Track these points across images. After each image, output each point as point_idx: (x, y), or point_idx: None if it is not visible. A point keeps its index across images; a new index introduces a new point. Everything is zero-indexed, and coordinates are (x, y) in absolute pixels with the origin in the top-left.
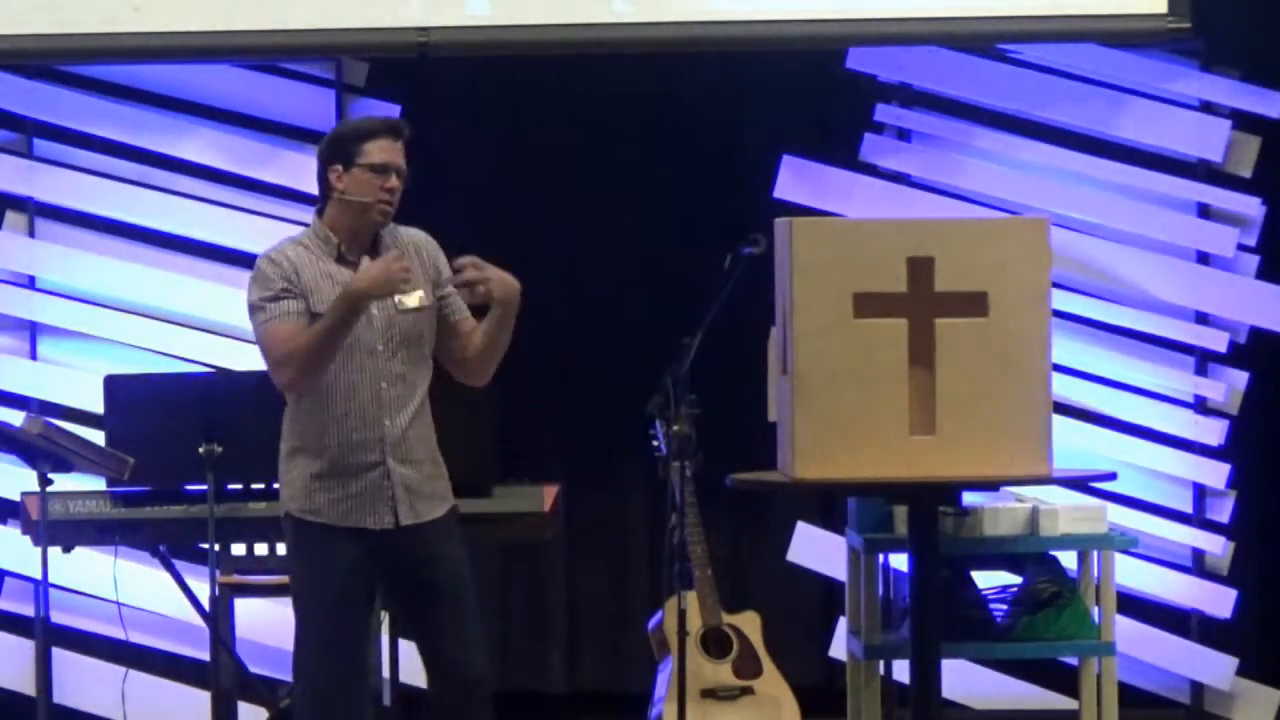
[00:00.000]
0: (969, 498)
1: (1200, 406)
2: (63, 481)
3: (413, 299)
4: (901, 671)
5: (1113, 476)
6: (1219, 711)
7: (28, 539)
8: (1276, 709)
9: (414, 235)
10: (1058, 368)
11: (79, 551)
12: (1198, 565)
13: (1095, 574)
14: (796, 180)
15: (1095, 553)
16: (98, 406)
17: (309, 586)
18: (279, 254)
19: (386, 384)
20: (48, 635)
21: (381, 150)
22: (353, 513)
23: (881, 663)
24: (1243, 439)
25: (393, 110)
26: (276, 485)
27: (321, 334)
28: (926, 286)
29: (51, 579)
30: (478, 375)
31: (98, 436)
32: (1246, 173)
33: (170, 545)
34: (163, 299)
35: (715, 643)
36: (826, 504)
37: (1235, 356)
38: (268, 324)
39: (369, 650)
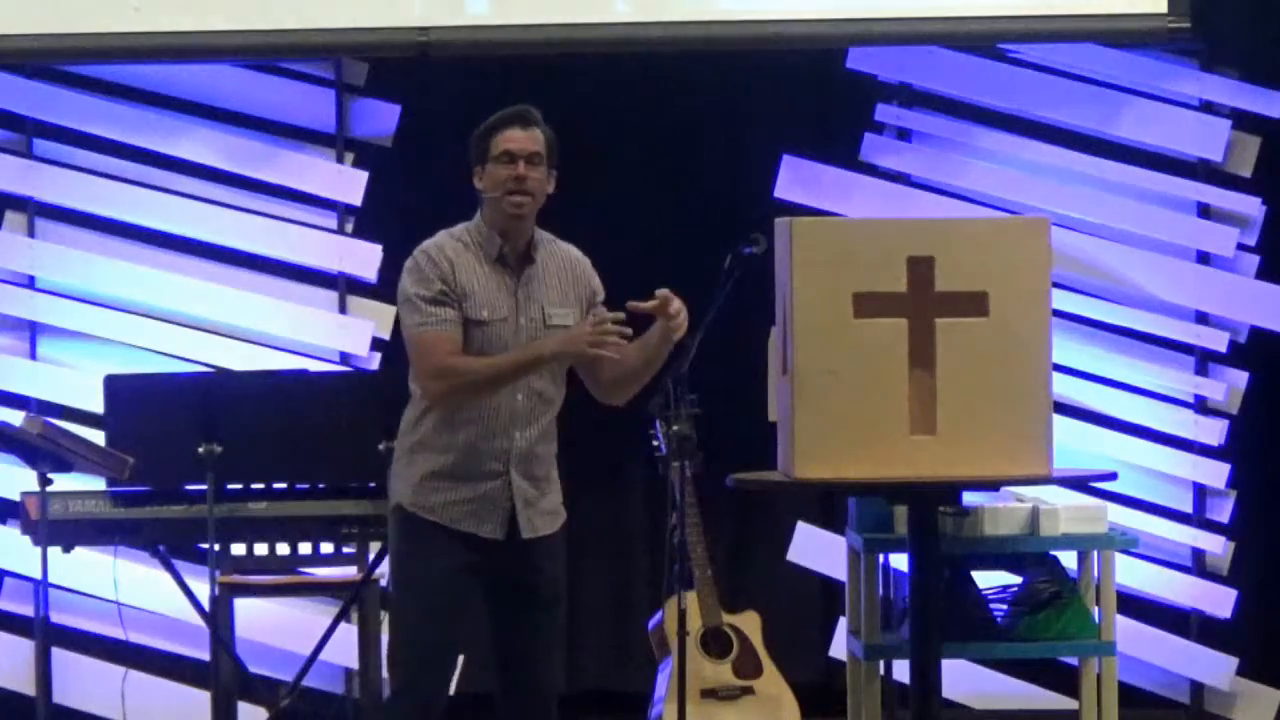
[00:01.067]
0: (969, 498)
1: (1200, 406)
2: (63, 481)
3: (566, 315)
4: (901, 671)
5: (1113, 476)
6: (1219, 711)
7: (28, 539)
8: (1276, 709)
9: (569, 252)
10: (1058, 368)
11: (79, 551)
12: (1198, 565)
13: (1095, 574)
14: (796, 180)
15: (1095, 553)
16: (98, 406)
17: (410, 582)
18: (438, 250)
19: (523, 396)
20: (47, 635)
21: (507, 140)
22: (467, 518)
23: (881, 663)
24: (1243, 439)
25: (393, 110)
26: (277, 485)
27: (492, 375)
28: (926, 286)
29: (51, 579)
30: (616, 397)
31: (98, 436)
32: (1246, 173)
33: (170, 545)
34: (163, 299)
35: (715, 643)
36: (826, 504)
37: (1235, 356)
38: (423, 329)
39: (459, 654)
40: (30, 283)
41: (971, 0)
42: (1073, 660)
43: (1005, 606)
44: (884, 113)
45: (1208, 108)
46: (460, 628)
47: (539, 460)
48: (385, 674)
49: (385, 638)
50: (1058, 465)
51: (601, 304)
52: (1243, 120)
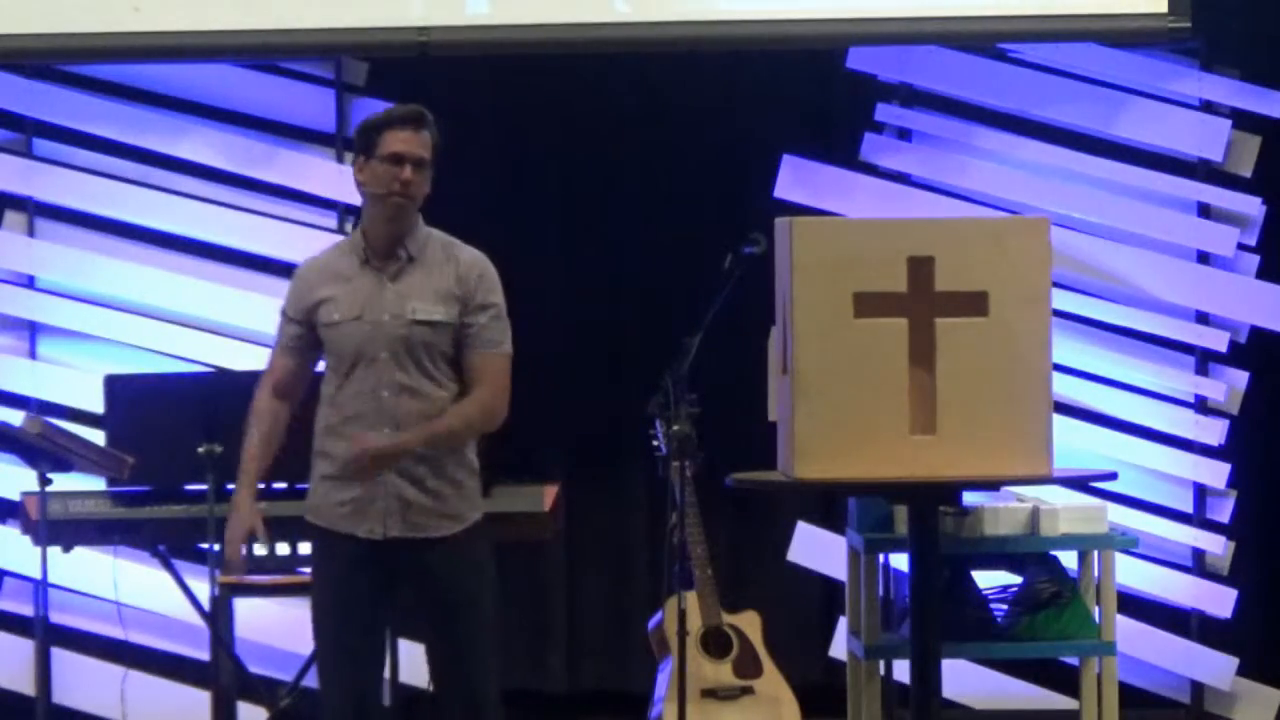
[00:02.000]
0: (969, 498)
1: (1200, 406)
2: (63, 481)
3: (432, 311)
4: (901, 671)
5: (1113, 476)
6: (1219, 711)
7: (28, 539)
8: (1276, 709)
9: (463, 253)
10: (1058, 368)
11: (79, 551)
12: (1198, 565)
13: (1095, 574)
14: (796, 180)
15: (1095, 553)
16: (98, 406)
17: (314, 589)
18: (307, 265)
19: (389, 393)
20: (47, 635)
21: (397, 140)
22: (345, 519)
23: (881, 663)
24: (1243, 439)
25: None
26: (277, 485)
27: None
28: (926, 286)
29: (51, 579)
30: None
31: (98, 436)
32: (1246, 172)
33: (170, 545)
34: (163, 299)
35: (715, 643)
36: (826, 504)
37: (1235, 356)
38: (275, 346)
39: (374, 653)
40: (30, 283)
41: (971, 0)
42: (1073, 660)
43: (1005, 606)
44: (884, 112)
45: (1208, 108)
46: (356, 627)
47: (417, 457)
48: None
49: None
50: (1058, 465)
51: (483, 307)
52: (1243, 120)
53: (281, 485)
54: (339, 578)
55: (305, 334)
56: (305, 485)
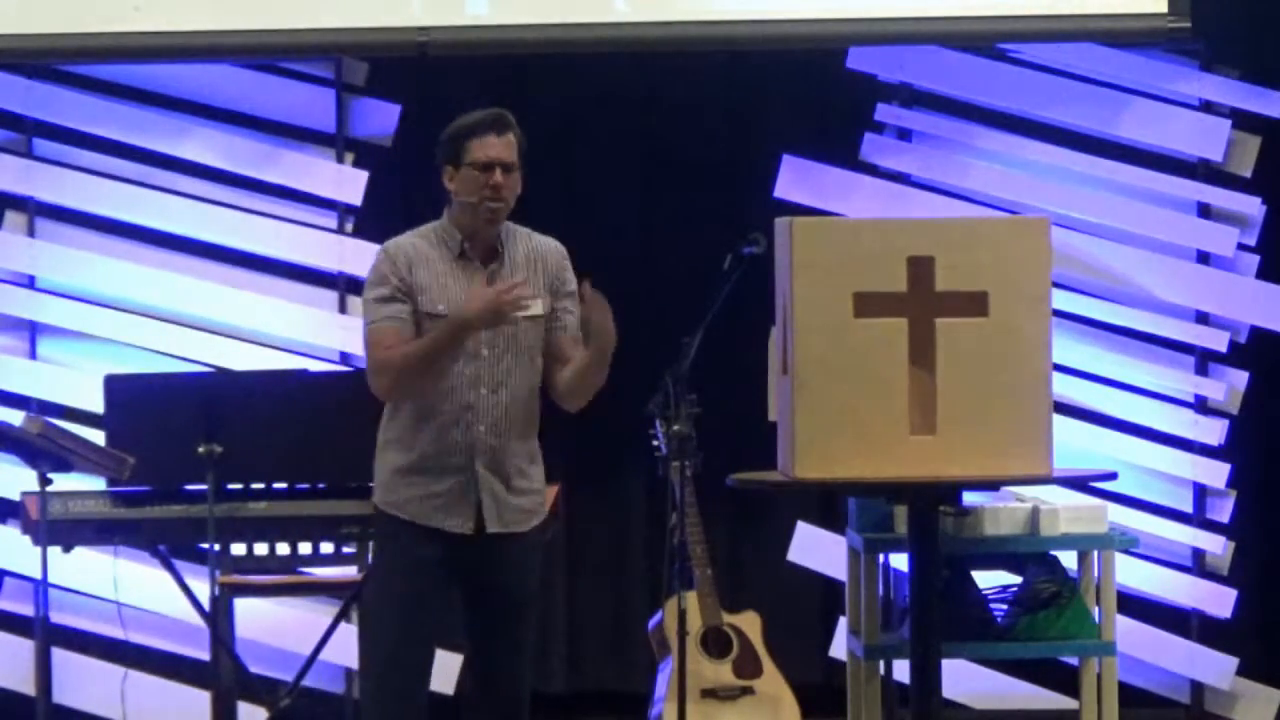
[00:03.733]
0: (969, 498)
1: (1200, 406)
2: (63, 481)
3: (531, 306)
4: (901, 671)
5: (1113, 476)
6: (1219, 711)
7: (28, 539)
8: (1276, 709)
9: (542, 244)
10: (1058, 368)
11: (79, 551)
12: (1198, 565)
13: (1095, 574)
14: (796, 180)
15: (1095, 553)
16: (98, 406)
17: (380, 579)
18: (397, 248)
19: (486, 390)
20: (47, 635)
21: (484, 147)
22: (435, 513)
23: (881, 663)
24: (1243, 439)
25: (393, 110)
26: (277, 485)
27: (420, 353)
28: (926, 286)
29: (51, 579)
30: (565, 403)
31: (98, 436)
32: (1246, 173)
33: (170, 545)
34: (163, 299)
35: (715, 643)
36: (826, 504)
37: (1235, 356)
38: (374, 325)
39: (431, 650)
40: (30, 283)
41: (971, 0)
42: (1073, 660)
43: (1005, 606)
44: (884, 113)
45: (1208, 108)
46: (427, 624)
47: (509, 454)
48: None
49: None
50: (1058, 465)
51: (570, 294)
52: (1243, 120)
53: (281, 485)
54: (418, 570)
55: (412, 310)
56: (304, 486)
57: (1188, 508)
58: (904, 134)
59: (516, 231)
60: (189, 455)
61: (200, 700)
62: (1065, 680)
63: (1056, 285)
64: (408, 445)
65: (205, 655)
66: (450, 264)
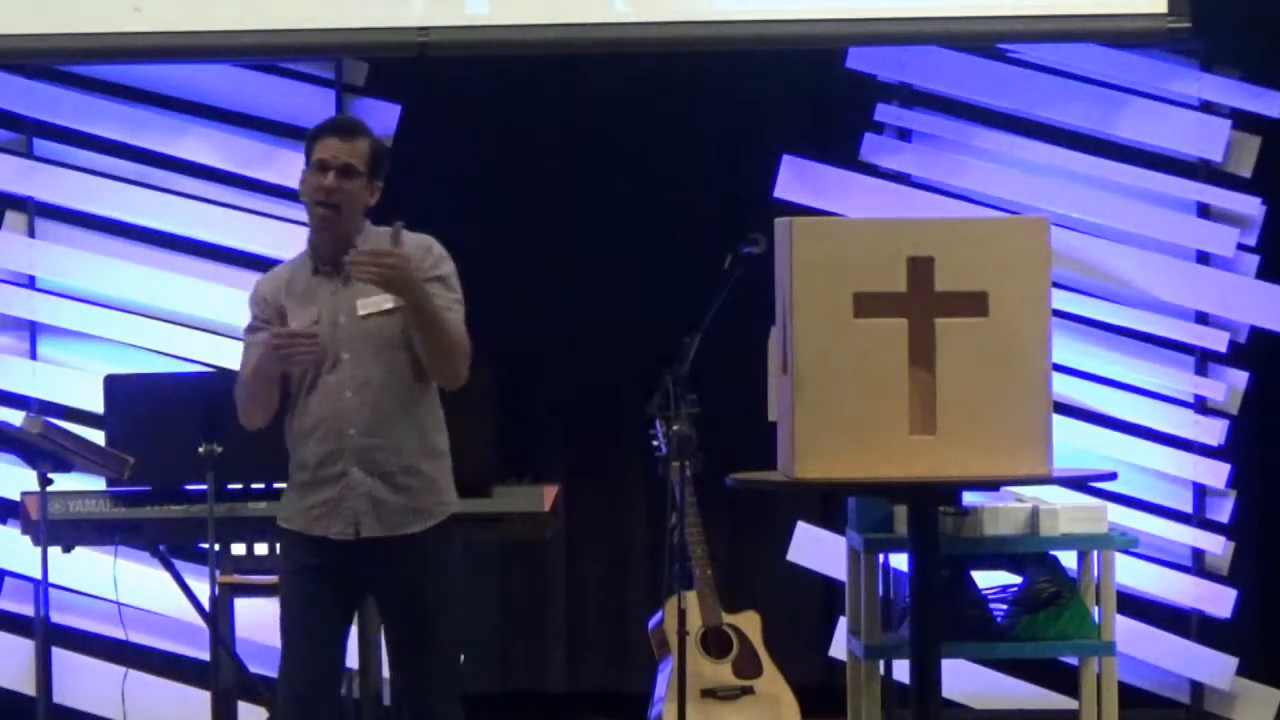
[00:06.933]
0: (969, 498)
1: (1200, 406)
2: (63, 481)
3: (381, 302)
4: (901, 671)
5: (1113, 476)
6: (1219, 711)
7: (28, 539)
8: (1276, 709)
9: (408, 240)
10: (1058, 368)
11: (79, 551)
12: (1198, 565)
13: (1095, 574)
14: (796, 180)
15: (1095, 553)
16: (98, 406)
17: (281, 592)
18: (261, 281)
19: (351, 392)
20: (48, 635)
21: (323, 148)
22: (317, 522)
23: (881, 663)
24: (1243, 439)
25: (393, 110)
26: (277, 485)
27: (243, 378)
28: (926, 286)
29: (51, 579)
30: (441, 383)
31: (98, 436)
32: (1246, 173)
33: (170, 545)
34: (163, 299)
35: (715, 643)
36: (826, 504)
37: (1235, 356)
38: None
39: (337, 658)
40: (30, 283)
41: (971, 0)
42: (1073, 660)
43: (1005, 606)
44: (884, 113)
45: (1208, 108)
46: (321, 631)
47: (386, 454)
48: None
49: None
50: (1058, 465)
51: (432, 279)
52: (1243, 120)
53: (282, 485)
54: (309, 579)
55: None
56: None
57: (1188, 508)
58: (904, 134)
59: (381, 235)
60: (189, 455)
61: (200, 700)
62: (1065, 680)
63: (1056, 285)
64: (296, 460)
65: (205, 655)
66: (309, 279)
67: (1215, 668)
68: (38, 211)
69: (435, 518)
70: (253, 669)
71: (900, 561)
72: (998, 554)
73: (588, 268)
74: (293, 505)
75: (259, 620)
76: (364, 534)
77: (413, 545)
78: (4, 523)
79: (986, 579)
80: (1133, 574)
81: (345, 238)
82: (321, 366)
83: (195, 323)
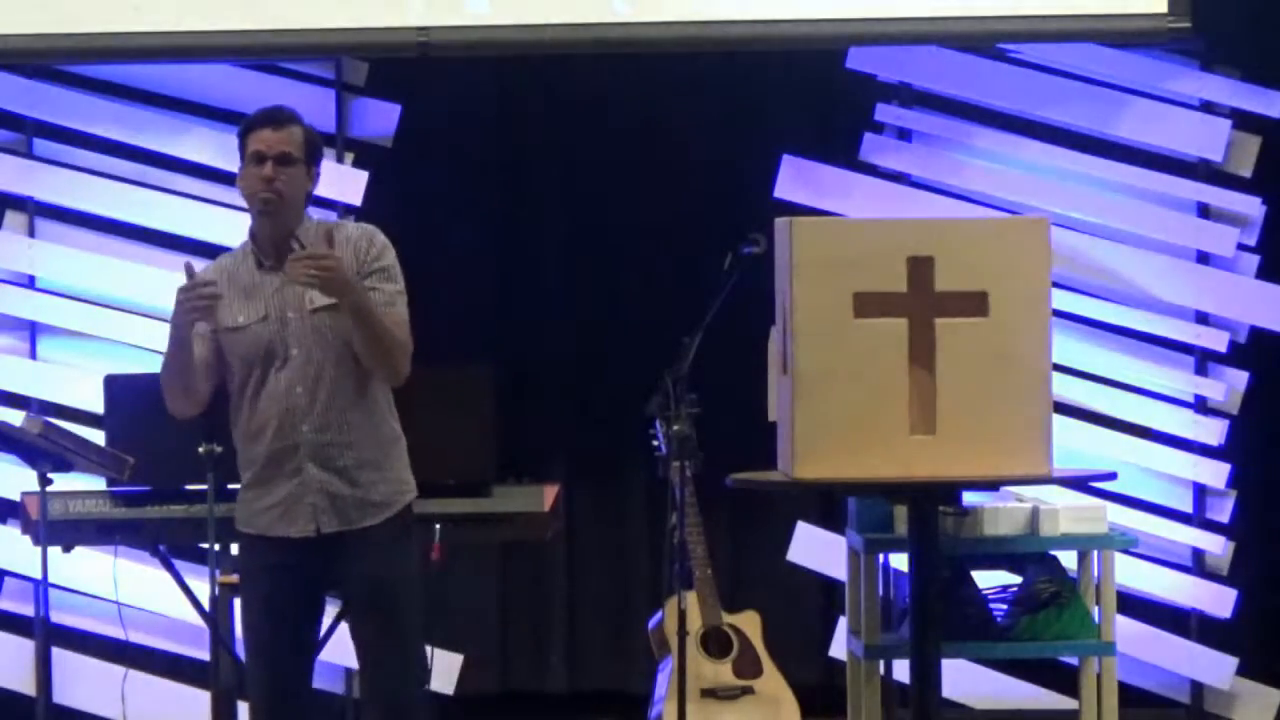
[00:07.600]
0: (969, 498)
1: (1200, 406)
2: (63, 481)
3: (323, 297)
4: (901, 671)
5: (1113, 476)
6: (1219, 711)
7: (28, 539)
8: (1276, 709)
9: (345, 231)
10: (1058, 368)
11: (79, 551)
12: (1198, 565)
13: (1095, 574)
14: (796, 180)
15: (1095, 553)
16: (98, 406)
17: (243, 595)
18: (206, 271)
19: (302, 388)
20: (48, 635)
21: (257, 140)
22: (277, 522)
23: (881, 663)
24: (1243, 439)
25: (393, 110)
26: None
27: (164, 359)
28: (926, 286)
29: (51, 579)
30: (377, 375)
31: (98, 436)
32: (1246, 173)
33: (170, 545)
34: (163, 299)
35: (715, 643)
36: (826, 504)
37: (1235, 356)
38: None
39: (307, 659)
40: (30, 283)
41: (971, 0)
42: (1073, 660)
43: (1005, 606)
44: (884, 113)
45: (1208, 108)
46: (286, 628)
47: (340, 449)
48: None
49: None
50: (1058, 465)
51: (375, 271)
52: (1243, 120)
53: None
54: (271, 581)
55: (210, 336)
56: None
57: (1188, 508)
58: (904, 134)
59: (320, 225)
60: (189, 455)
61: (200, 700)
62: (1065, 680)
63: (1056, 285)
64: (248, 462)
65: (205, 655)
66: (251, 273)
67: (1215, 668)
68: (38, 211)
69: (394, 508)
70: None
71: (900, 561)
72: (998, 554)
73: (587, 267)
74: (249, 507)
75: None
76: (324, 530)
77: (373, 538)
78: (4, 523)
79: (986, 579)
80: (1133, 574)
81: (287, 228)
82: (270, 364)
83: None
